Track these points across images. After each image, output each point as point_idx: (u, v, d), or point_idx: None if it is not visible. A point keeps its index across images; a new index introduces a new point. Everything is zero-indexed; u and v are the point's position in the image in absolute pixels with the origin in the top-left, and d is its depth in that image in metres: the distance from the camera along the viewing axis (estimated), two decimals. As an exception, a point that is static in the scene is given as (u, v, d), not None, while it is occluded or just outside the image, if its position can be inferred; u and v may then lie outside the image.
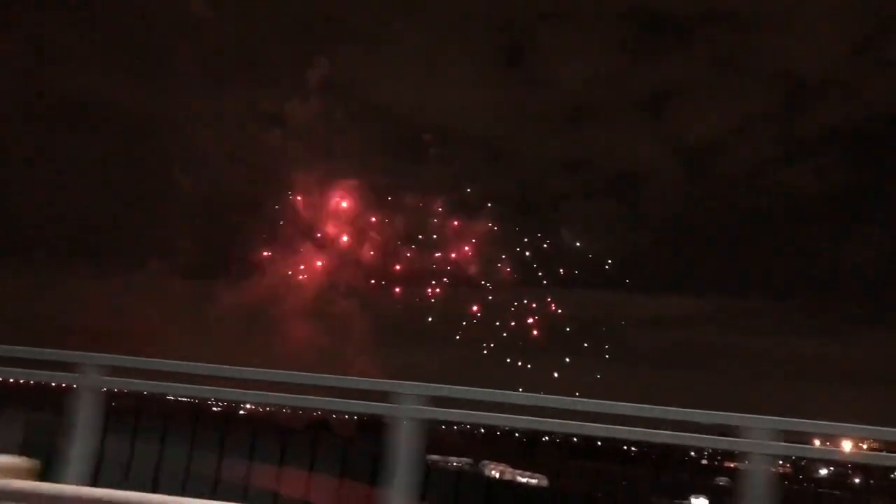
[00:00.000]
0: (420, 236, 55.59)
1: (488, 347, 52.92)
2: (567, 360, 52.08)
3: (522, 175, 70.17)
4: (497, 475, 31.26)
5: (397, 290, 55.91)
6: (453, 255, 55.04)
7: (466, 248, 54.80)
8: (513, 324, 53.80)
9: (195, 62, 62.47)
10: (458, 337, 53.92)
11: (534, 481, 29.29)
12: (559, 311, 54.45)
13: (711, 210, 65.00)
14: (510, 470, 30.84)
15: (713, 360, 58.64)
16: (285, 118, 57.41)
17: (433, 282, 55.06)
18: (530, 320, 53.81)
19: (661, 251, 65.95)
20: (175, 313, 56.48)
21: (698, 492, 33.23)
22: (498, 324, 54.32)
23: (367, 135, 61.56)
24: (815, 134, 68.56)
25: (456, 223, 55.73)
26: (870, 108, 68.17)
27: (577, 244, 53.96)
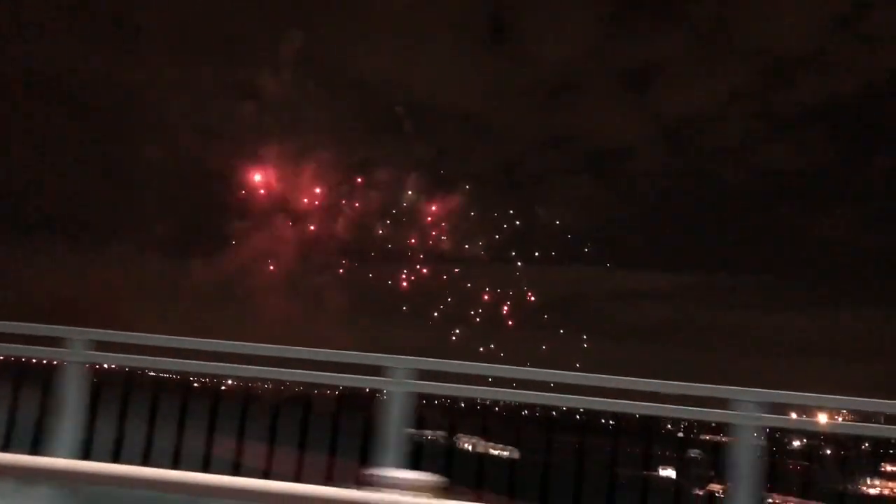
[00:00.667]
0: (389, 216, 55.35)
1: (464, 328, 53.04)
2: (544, 346, 52.35)
3: (503, 151, 70.16)
4: (470, 448, 31.89)
5: (370, 267, 55.77)
6: (430, 232, 54.97)
7: (441, 226, 54.70)
8: (488, 302, 53.89)
9: (167, 32, 61.41)
10: (433, 317, 53.85)
11: (505, 454, 29.76)
12: (539, 288, 54.76)
13: (692, 186, 65.56)
14: (483, 443, 31.48)
15: (694, 335, 59.58)
16: (260, 91, 56.73)
17: (407, 259, 54.99)
18: (508, 299, 53.97)
19: (642, 227, 66.52)
20: (148, 287, 56.03)
21: (669, 463, 33.91)
22: (474, 303, 54.39)
23: (344, 109, 61.00)
24: (796, 110, 69.20)
25: (432, 200, 55.62)
26: (850, 84, 68.81)
27: (557, 222, 54.17)
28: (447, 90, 71.69)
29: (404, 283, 55.04)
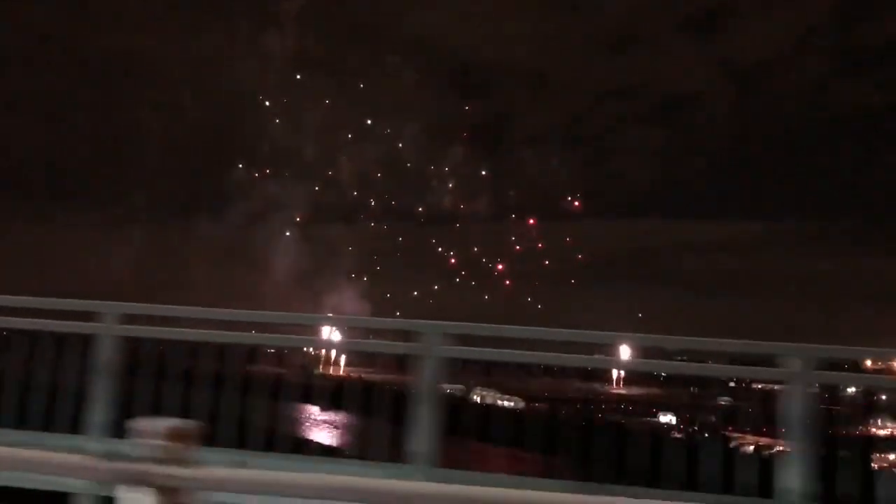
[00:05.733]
0: (446, 176, 54.71)
1: (525, 285, 52.82)
2: (614, 294, 51.37)
3: (568, 106, 68.10)
4: (478, 399, 33.31)
5: (433, 229, 55.36)
6: (486, 190, 54.50)
7: (497, 184, 54.14)
8: (559, 258, 53.60)
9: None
10: (493, 276, 53.58)
11: (511, 404, 31.39)
12: (606, 243, 54.43)
13: (766, 130, 62.54)
14: (493, 394, 32.91)
15: (771, 286, 57.65)
16: (304, 53, 55.36)
17: (461, 218, 54.75)
18: (572, 255, 53.95)
19: (713, 176, 64.31)
20: (159, 254, 56.66)
21: (670, 410, 35.47)
22: (535, 260, 54.31)
23: (400, 69, 59.43)
24: (876, 44, 65.20)
25: (491, 158, 54.81)
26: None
27: (625, 175, 53.13)
28: (507, 47, 69.28)
29: (469, 240, 55.24)
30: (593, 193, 54.99)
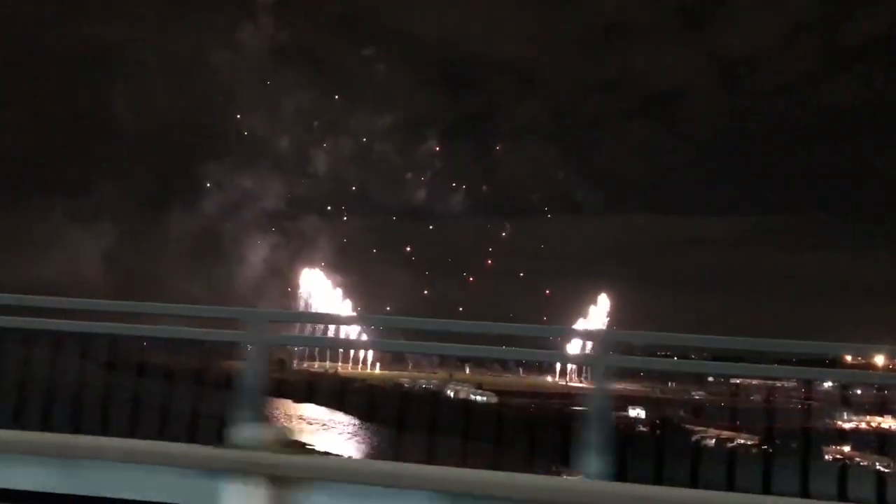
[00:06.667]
0: (429, 171, 54.64)
1: (516, 278, 53.31)
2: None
3: (555, 99, 68.47)
4: (452, 395, 33.61)
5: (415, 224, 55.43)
6: (472, 186, 54.58)
7: (484, 179, 54.35)
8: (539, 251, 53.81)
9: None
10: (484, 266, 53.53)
11: (483, 398, 31.79)
12: (589, 238, 54.99)
13: (751, 126, 63.81)
14: (467, 389, 33.23)
15: (753, 280, 59.04)
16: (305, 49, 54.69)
17: (446, 214, 54.80)
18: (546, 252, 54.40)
19: (698, 171, 65.26)
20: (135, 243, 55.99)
21: (640, 405, 36.27)
22: (515, 258, 54.68)
23: (389, 63, 58.87)
24: (859, 43, 66.57)
25: (474, 152, 55.13)
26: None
27: (610, 169, 54.01)
28: (495, 39, 70.06)
29: (453, 236, 55.67)
30: (578, 188, 55.92)
